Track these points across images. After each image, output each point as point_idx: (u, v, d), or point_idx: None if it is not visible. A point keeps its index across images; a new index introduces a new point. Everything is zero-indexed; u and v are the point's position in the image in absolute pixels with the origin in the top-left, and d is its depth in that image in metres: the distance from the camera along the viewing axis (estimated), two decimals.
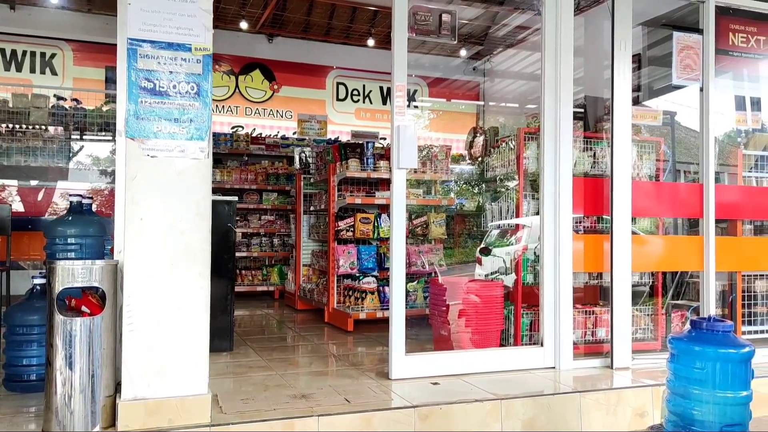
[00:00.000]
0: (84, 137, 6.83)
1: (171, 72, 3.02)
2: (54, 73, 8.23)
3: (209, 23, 3.10)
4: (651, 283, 4.79)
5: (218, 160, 8.47)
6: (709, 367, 2.68)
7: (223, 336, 4.57)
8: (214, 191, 7.92)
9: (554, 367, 4.12)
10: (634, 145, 4.60)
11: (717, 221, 4.57)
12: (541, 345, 4.16)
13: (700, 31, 4.68)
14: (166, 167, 3.02)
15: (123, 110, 3.01)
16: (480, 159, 5.75)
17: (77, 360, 2.91)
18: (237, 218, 7.84)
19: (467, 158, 6.39)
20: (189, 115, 3.06)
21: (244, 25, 8.81)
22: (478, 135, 6.24)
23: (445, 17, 4.03)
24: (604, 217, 4.42)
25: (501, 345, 4.34)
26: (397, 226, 3.82)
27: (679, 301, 5.08)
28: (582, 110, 5.40)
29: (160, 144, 3.00)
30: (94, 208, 4.12)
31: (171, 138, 3.02)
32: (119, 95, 3.05)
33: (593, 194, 4.41)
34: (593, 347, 4.39)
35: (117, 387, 3.03)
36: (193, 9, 3.05)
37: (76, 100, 6.48)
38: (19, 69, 8.07)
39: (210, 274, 3.14)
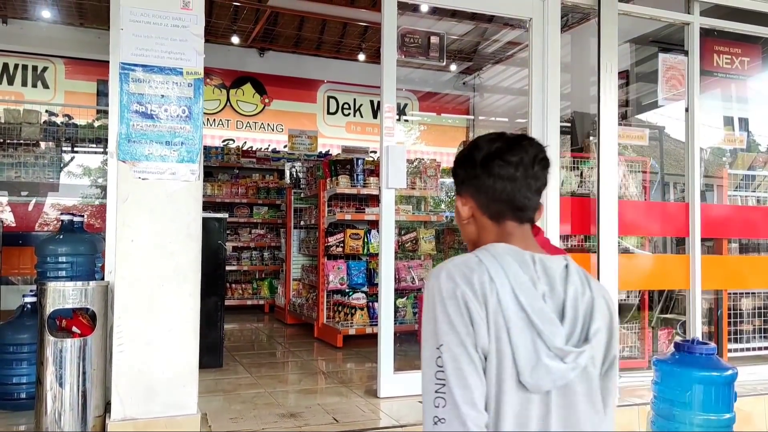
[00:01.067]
0: (75, 149, 6.84)
1: (162, 95, 3.06)
2: (46, 86, 8.24)
3: (200, 47, 3.14)
4: (638, 300, 4.84)
5: (209, 173, 8.48)
6: (692, 390, 2.73)
7: (212, 352, 4.58)
8: (205, 205, 7.88)
9: None
10: (621, 164, 4.67)
11: (703, 240, 4.64)
12: None
13: (685, 52, 4.77)
14: (157, 189, 3.05)
15: (115, 133, 3.04)
16: None
17: (67, 380, 2.93)
18: (227, 232, 7.87)
19: None
20: (180, 137, 3.09)
21: (235, 39, 8.86)
22: None
23: (434, 39, 4.09)
24: (591, 235, 4.48)
25: None
26: (386, 245, 3.86)
27: (668, 315, 5.14)
28: (569, 125, 5.48)
29: (151, 166, 3.04)
30: (85, 219, 4.13)
31: (162, 160, 3.05)
32: (111, 118, 3.09)
33: (580, 213, 4.47)
34: None
35: (107, 407, 3.05)
36: (184, 34, 3.09)
37: (67, 115, 6.49)
38: (10, 82, 8.07)
39: (200, 292, 3.17)
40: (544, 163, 1.41)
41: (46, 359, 2.90)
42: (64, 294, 2.92)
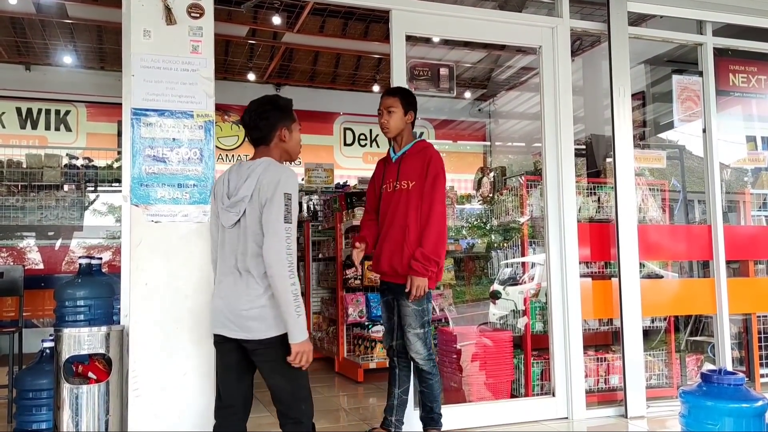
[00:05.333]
0: (98, 189, 6.95)
1: (174, 139, 3.10)
2: (68, 129, 8.42)
3: (210, 90, 3.18)
4: (664, 325, 4.71)
5: None
6: (721, 423, 2.63)
7: None
8: None
9: (567, 418, 4.05)
10: (640, 188, 4.60)
11: (728, 262, 4.53)
12: (553, 395, 4.10)
13: (699, 73, 4.72)
14: (169, 232, 3.06)
15: (128, 177, 3.08)
16: (489, 197, 5.77)
17: (84, 426, 2.92)
18: None
19: (476, 197, 6.40)
20: (192, 179, 3.12)
21: (251, 76, 9.00)
22: (487, 174, 6.26)
23: (443, 71, 4.11)
24: (612, 261, 4.39)
25: (512, 396, 4.27)
26: None
27: (698, 338, 5.00)
28: (584, 147, 5.42)
29: (163, 209, 3.06)
30: (106, 258, 4.15)
31: (174, 203, 3.07)
32: (124, 163, 3.13)
33: (599, 239, 4.39)
34: (607, 395, 4.32)
35: None
36: (194, 77, 3.13)
37: (87, 158, 6.62)
38: (34, 127, 8.27)
39: None
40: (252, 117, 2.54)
41: (62, 405, 2.90)
42: (80, 340, 2.93)
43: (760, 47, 4.87)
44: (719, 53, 4.77)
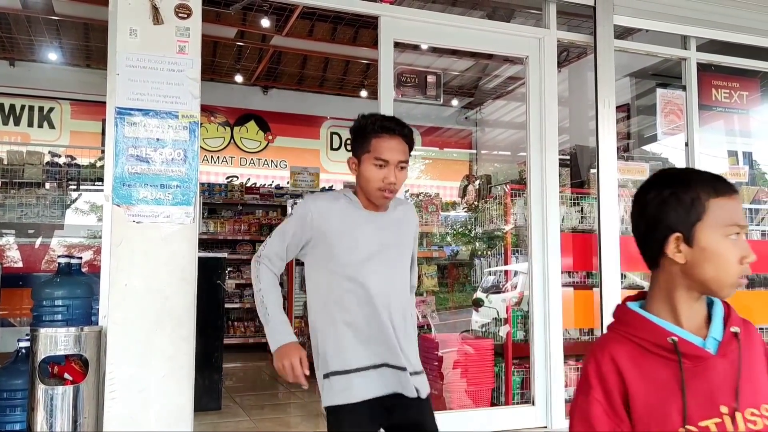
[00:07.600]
0: (80, 188, 6.87)
1: (158, 139, 3.07)
2: (52, 126, 8.33)
3: (196, 91, 3.16)
4: None
5: (213, 210, 8.50)
6: None
7: (210, 394, 4.51)
8: (208, 242, 7.82)
9: (546, 427, 4.06)
10: (623, 199, 4.63)
11: None
12: (533, 404, 4.11)
13: (683, 87, 4.78)
14: (151, 233, 3.04)
15: (110, 176, 3.05)
16: (474, 205, 5.80)
17: (58, 428, 2.87)
18: (230, 269, 7.83)
19: (461, 205, 6.43)
20: (175, 180, 3.10)
21: (239, 78, 8.97)
22: (472, 182, 6.29)
23: (431, 78, 4.12)
24: (594, 271, 4.42)
25: (492, 404, 4.28)
26: None
27: None
28: (568, 158, 5.46)
29: (145, 210, 3.03)
30: (86, 257, 4.10)
31: (157, 204, 3.05)
32: (107, 162, 3.10)
33: (582, 249, 4.42)
34: None
35: None
36: (180, 78, 3.11)
37: (70, 156, 6.54)
38: (17, 123, 8.16)
39: (196, 335, 3.13)
40: None
41: (36, 406, 2.85)
42: (56, 340, 2.89)
43: (742, 63, 4.94)
44: (702, 68, 4.83)
